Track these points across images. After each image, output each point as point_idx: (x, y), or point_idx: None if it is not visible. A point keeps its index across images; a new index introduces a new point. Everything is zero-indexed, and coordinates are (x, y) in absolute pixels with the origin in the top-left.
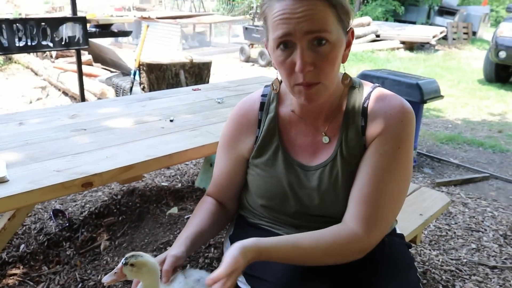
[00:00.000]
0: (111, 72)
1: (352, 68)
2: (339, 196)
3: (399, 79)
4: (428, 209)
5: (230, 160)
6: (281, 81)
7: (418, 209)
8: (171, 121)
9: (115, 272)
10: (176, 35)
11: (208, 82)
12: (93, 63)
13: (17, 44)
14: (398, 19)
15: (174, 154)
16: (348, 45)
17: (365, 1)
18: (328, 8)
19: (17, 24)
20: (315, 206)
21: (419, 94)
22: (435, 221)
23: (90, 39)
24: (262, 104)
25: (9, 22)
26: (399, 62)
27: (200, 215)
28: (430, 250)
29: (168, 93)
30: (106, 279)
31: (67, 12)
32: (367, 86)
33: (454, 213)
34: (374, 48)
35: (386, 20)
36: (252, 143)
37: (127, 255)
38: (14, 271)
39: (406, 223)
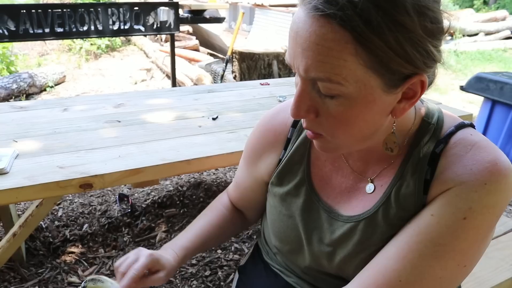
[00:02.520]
0: (216, 57)
1: (476, 68)
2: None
3: None
4: None
5: (250, 177)
6: None
7: (510, 256)
8: (214, 119)
9: None
10: (288, 24)
11: None
12: (199, 48)
13: (110, 27)
14: None
15: (193, 160)
16: (409, 97)
17: None
18: (350, 45)
19: (112, 8)
20: (334, 268)
21: None
22: None
23: (199, 24)
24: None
25: (105, 6)
26: None
27: (207, 219)
28: None
29: (231, 86)
30: None
31: None
32: (449, 124)
33: None
34: (507, 47)
35: None
36: (274, 165)
37: (87, 278)
38: (73, 249)
39: (489, 273)
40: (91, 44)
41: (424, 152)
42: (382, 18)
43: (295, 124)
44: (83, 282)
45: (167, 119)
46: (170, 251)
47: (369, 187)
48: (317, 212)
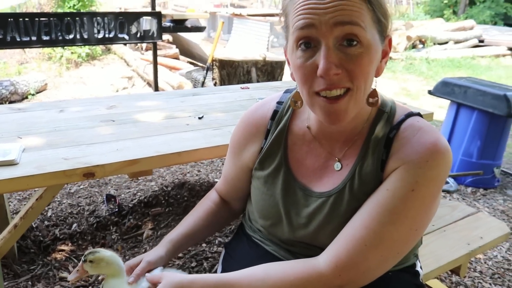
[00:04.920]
0: (196, 66)
1: (446, 74)
2: (337, 232)
3: (484, 89)
4: (478, 239)
5: (235, 167)
6: None
7: (466, 237)
8: (200, 118)
9: (77, 270)
10: (265, 33)
11: (281, 80)
12: (179, 57)
13: (95, 36)
14: (509, 23)
15: (183, 152)
16: (384, 55)
17: (472, 3)
18: (364, 3)
19: (97, 18)
20: (309, 236)
21: (506, 107)
22: (505, 252)
23: (178, 33)
24: (275, 113)
25: (90, 16)
26: (503, 70)
27: (197, 214)
28: (491, 284)
29: (214, 89)
30: (71, 277)
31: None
32: (400, 113)
33: None
34: (475, 55)
35: (495, 24)
36: (257, 153)
37: (86, 252)
38: (63, 247)
39: (447, 251)
40: (72, 52)
41: (380, 136)
42: None
43: (273, 117)
44: (83, 256)
45: (157, 118)
46: (163, 246)
47: (337, 165)
48: (293, 190)
